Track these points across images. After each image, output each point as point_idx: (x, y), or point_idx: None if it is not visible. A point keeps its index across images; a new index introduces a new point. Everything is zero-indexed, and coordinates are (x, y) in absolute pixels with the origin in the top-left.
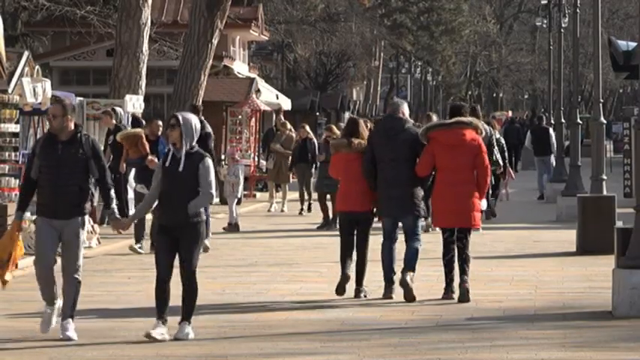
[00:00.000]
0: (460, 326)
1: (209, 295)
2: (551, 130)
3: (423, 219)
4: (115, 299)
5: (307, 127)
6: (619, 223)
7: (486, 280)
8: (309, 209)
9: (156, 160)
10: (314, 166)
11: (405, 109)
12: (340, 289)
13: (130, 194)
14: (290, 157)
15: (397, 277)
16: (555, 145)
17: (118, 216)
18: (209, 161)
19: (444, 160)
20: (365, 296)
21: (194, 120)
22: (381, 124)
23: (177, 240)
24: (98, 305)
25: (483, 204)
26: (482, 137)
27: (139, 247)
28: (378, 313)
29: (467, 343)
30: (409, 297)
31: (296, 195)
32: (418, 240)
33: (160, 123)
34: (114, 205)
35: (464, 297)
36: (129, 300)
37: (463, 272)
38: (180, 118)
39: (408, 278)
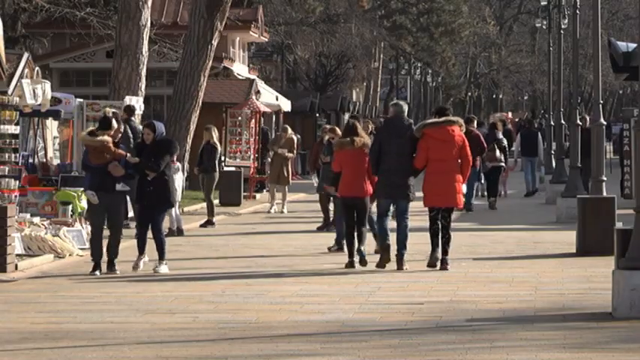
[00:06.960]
0: (460, 327)
1: (209, 296)
2: (539, 135)
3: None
4: (114, 300)
5: (212, 131)
6: (619, 225)
7: (486, 281)
8: (207, 224)
9: (120, 166)
10: (214, 173)
11: (406, 110)
12: (349, 265)
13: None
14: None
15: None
16: (542, 148)
17: None
18: None
19: (435, 152)
20: (364, 256)
21: None
22: (390, 124)
23: None
24: (98, 306)
25: (464, 188)
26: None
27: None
28: (377, 314)
29: (467, 344)
30: (400, 267)
31: (296, 196)
32: (407, 219)
33: (122, 129)
34: None
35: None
36: (129, 301)
37: (445, 252)
38: None
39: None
